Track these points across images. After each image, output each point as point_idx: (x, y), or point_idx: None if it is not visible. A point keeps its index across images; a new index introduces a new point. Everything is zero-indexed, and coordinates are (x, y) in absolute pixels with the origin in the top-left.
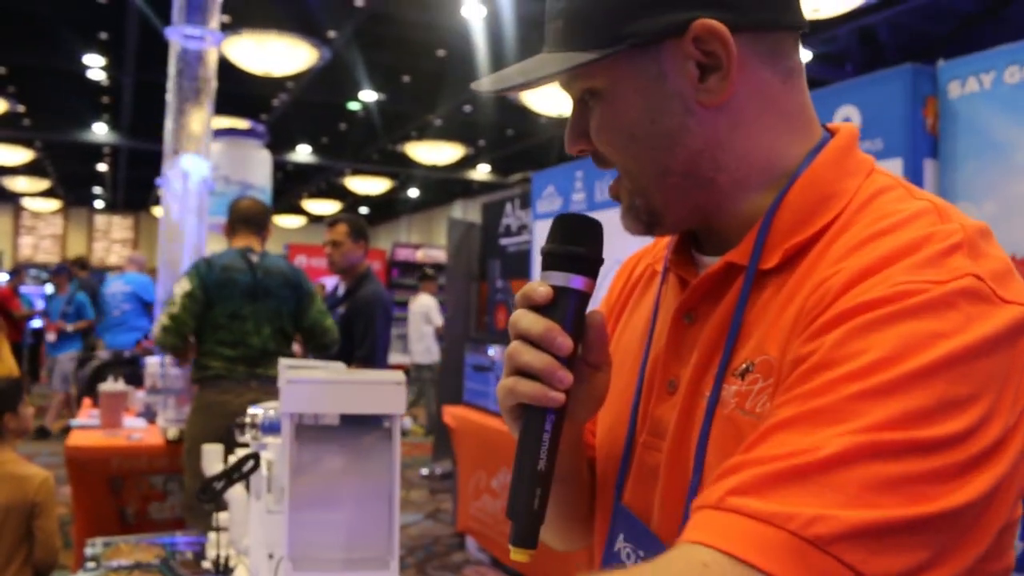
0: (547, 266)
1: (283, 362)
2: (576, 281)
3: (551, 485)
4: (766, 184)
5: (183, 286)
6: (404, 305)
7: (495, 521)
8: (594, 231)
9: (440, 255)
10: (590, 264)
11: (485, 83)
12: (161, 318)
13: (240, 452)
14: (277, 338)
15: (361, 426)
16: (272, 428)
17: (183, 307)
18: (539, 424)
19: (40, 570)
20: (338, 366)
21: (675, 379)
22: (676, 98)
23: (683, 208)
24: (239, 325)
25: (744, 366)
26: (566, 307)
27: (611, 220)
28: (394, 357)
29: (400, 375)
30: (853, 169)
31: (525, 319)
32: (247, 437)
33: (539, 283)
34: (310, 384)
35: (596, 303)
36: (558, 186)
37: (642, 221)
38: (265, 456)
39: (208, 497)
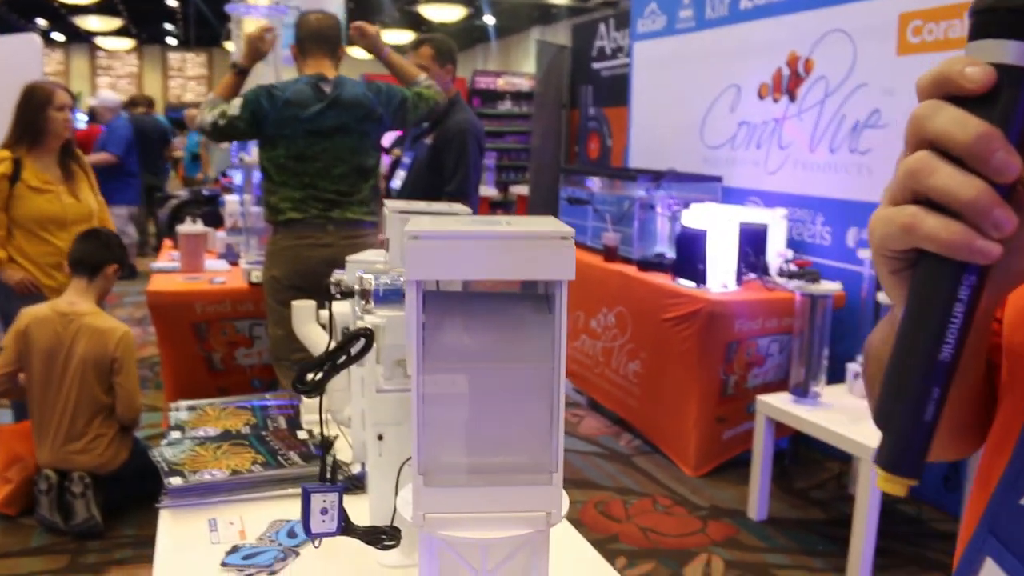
0: (983, 31)
1: (391, 206)
2: None
3: (951, 383)
4: None
5: (240, 101)
6: (491, 135)
7: (594, 363)
8: None
9: (522, 83)
10: None
11: None
12: (209, 112)
13: (335, 308)
14: (352, 177)
15: (508, 294)
16: (389, 298)
17: (238, 118)
18: (950, 288)
19: (124, 424)
20: (462, 209)
21: None
22: None
23: None
24: (305, 167)
25: None
26: (1015, 101)
27: (723, 39)
28: (482, 190)
29: (568, 228)
30: None
31: (943, 115)
32: (356, 308)
33: (967, 59)
34: (444, 241)
35: None
36: (661, 3)
37: None
38: (371, 321)
39: (308, 387)
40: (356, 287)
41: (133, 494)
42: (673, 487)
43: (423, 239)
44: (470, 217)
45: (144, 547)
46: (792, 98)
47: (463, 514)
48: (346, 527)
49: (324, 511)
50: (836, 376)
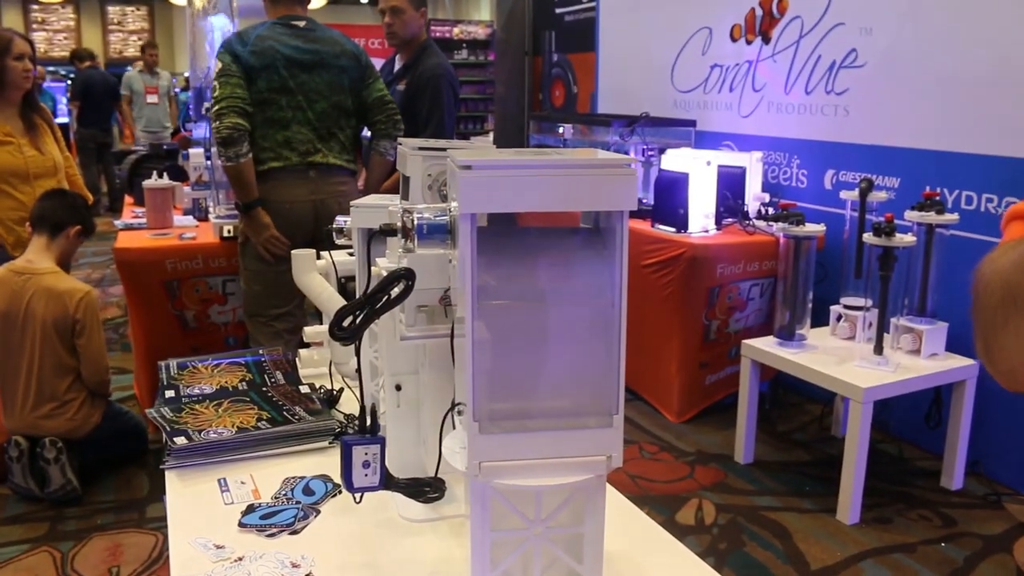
0: None
1: (408, 143)
2: None
3: None
4: None
5: (217, 67)
6: None
7: None
8: None
9: (477, 31)
10: None
11: None
12: (211, 111)
13: (338, 256)
14: (332, 117)
15: (554, 229)
16: (433, 233)
17: (224, 83)
18: None
19: (93, 389)
20: (485, 144)
21: None
22: None
23: None
24: (287, 100)
25: None
26: None
27: None
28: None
29: (628, 156)
30: None
31: None
32: (397, 245)
33: None
34: (499, 171)
35: None
36: None
37: None
38: (383, 264)
39: (346, 334)
40: (397, 225)
41: (109, 457)
42: (658, 434)
43: (476, 169)
44: (512, 149)
45: (125, 511)
46: (766, 39)
47: (520, 461)
48: (387, 480)
49: (366, 464)
50: (818, 319)
